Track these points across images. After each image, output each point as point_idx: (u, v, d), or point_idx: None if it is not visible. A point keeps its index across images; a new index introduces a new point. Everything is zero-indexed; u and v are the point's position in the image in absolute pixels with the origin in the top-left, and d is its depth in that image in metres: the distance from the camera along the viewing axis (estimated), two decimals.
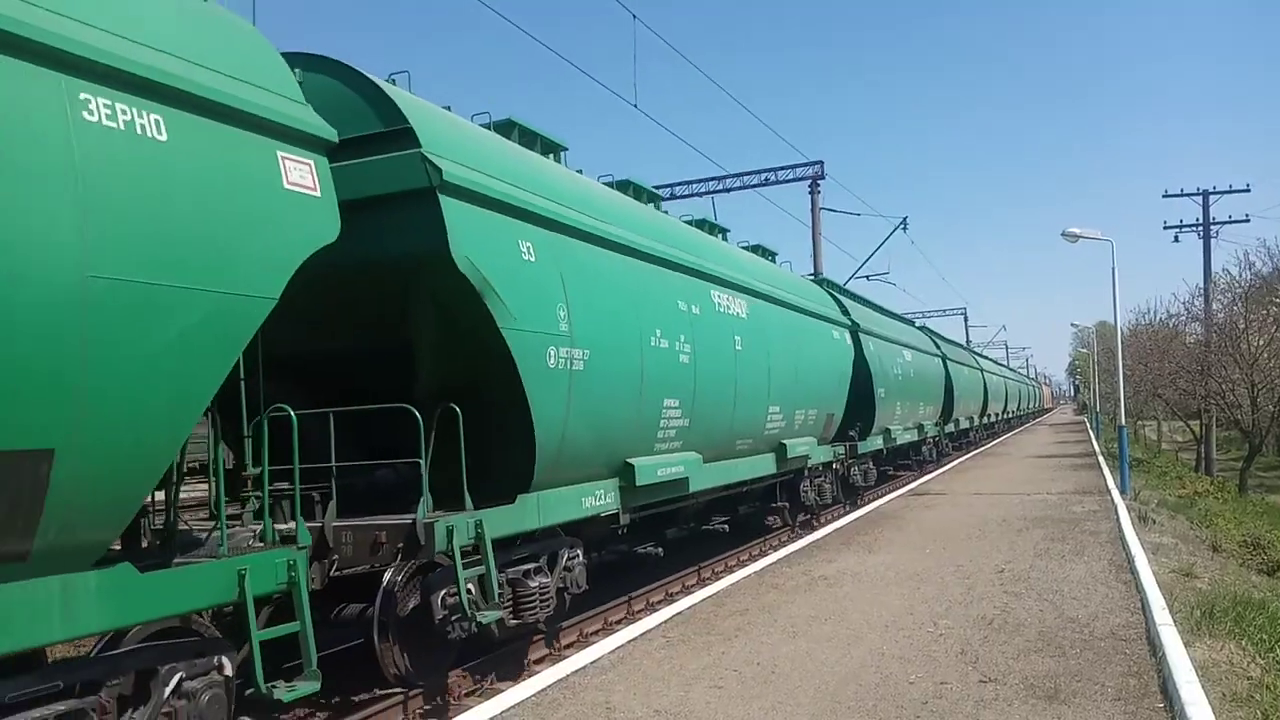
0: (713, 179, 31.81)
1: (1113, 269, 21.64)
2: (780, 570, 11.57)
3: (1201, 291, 40.07)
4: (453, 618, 7.73)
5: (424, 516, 7.36)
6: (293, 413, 6.39)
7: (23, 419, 4.44)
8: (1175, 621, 8.26)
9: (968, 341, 75.98)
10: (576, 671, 7.54)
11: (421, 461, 7.40)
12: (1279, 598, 11.06)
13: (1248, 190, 43.58)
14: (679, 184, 31.89)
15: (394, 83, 8.28)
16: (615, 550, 11.39)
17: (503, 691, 7.32)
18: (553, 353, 8.31)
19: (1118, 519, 15.32)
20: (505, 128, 9.74)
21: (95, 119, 4.80)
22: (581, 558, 9.51)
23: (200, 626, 6.04)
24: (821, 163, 31.26)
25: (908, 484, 23.84)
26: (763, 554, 14.18)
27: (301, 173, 5.99)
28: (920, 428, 25.85)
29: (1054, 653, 7.63)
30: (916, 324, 32.89)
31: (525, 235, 8.29)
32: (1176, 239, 43.29)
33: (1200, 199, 42.00)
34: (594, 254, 9.36)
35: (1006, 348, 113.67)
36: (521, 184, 8.53)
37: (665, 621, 9.08)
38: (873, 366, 19.41)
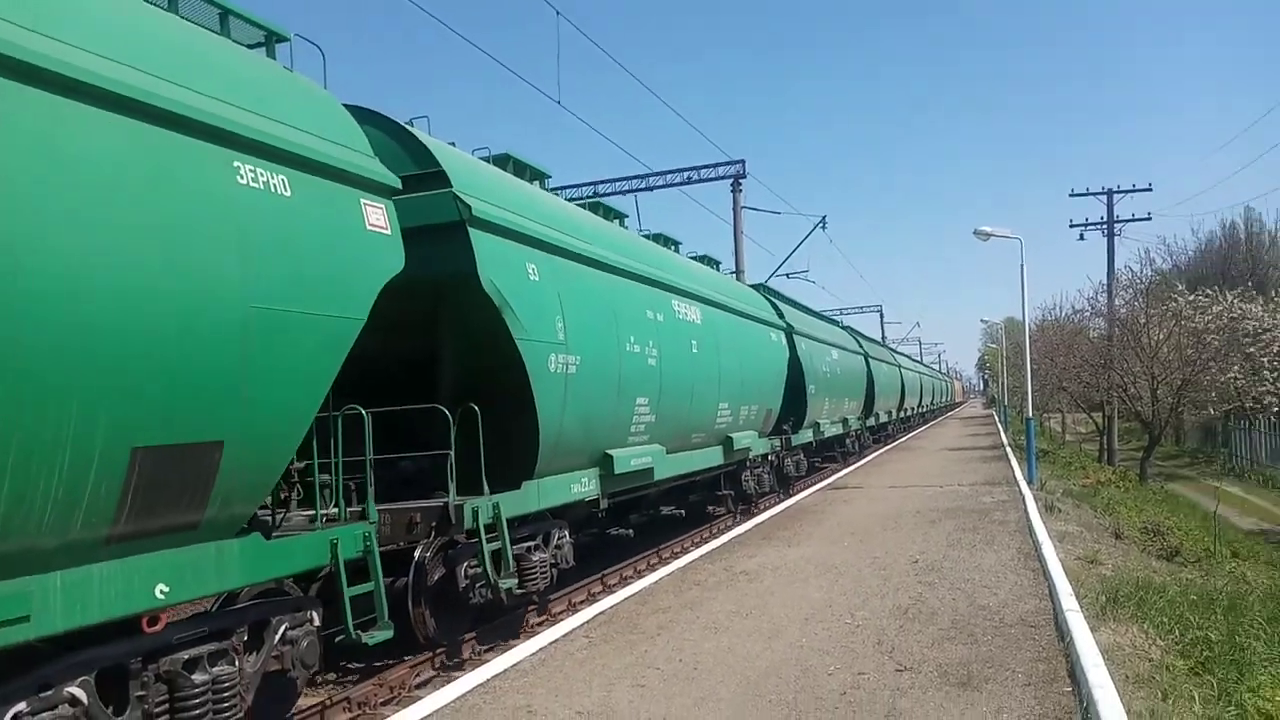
0: (636, 177, 32.42)
1: (1021, 266, 23.27)
2: (702, 567, 11.98)
3: (1105, 288, 42.33)
4: (476, 585, 9.31)
5: (454, 500, 8.90)
6: (365, 412, 7.89)
7: (204, 417, 5.90)
8: (1082, 607, 8.60)
9: (884, 338, 79.10)
10: (497, 675, 7.69)
11: (451, 453, 8.92)
12: (1178, 582, 11.74)
13: (1150, 190, 46.52)
14: (602, 182, 32.50)
15: (412, 124, 9.78)
16: (589, 533, 13.03)
17: (513, 647, 8.86)
18: (553, 359, 9.92)
19: (1025, 509, 16.19)
20: (502, 160, 11.32)
21: (245, 182, 6.28)
22: (569, 537, 11.14)
23: (290, 588, 7.51)
24: (743, 162, 32.14)
25: (829, 477, 25.57)
26: (714, 536, 15.91)
27: (377, 215, 7.50)
28: (845, 422, 28.04)
29: (967, 640, 7.92)
30: (840, 324, 35.21)
31: (531, 259, 9.89)
32: (1082, 237, 45.60)
33: (1105, 198, 44.34)
34: (582, 272, 11.01)
35: (920, 344, 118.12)
36: (524, 213, 10.14)
37: (588, 621, 9.34)
38: (804, 365, 21.44)
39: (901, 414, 47.78)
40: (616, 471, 11.56)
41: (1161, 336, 34.66)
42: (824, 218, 36.93)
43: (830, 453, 29.19)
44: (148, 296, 5.46)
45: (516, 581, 9.67)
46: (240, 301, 6.05)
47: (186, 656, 6.30)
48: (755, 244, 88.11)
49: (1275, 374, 34.13)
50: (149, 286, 5.47)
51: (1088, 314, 44.53)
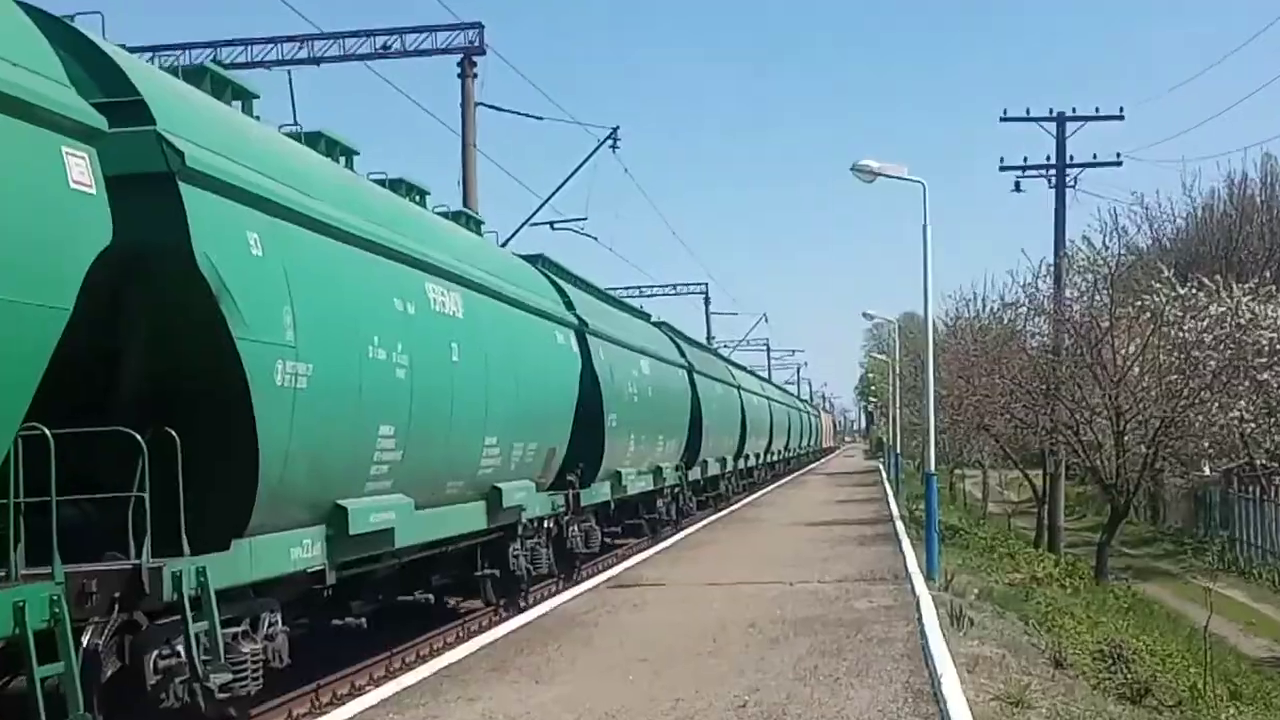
0: (292, 39, 33.58)
1: (924, 225, 24.88)
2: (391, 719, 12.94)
3: (1051, 269, 45.07)
4: (173, 681, 11.45)
5: (149, 561, 10.98)
6: (49, 433, 10.00)
7: None
8: None
9: (709, 336, 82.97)
10: None
11: (145, 495, 10.98)
12: None
13: (1121, 118, 49.12)
14: (230, 43, 33.23)
15: (74, 20, 11.84)
16: (300, 624, 15.20)
17: None
18: (280, 368, 12.26)
19: (920, 620, 17.58)
20: (196, 75, 13.67)
21: None
22: (281, 625, 13.42)
23: None
24: (480, 27, 34.08)
25: (627, 560, 27.94)
26: (423, 659, 17.35)
27: (81, 169, 9.74)
28: (657, 472, 31.39)
29: None
30: (650, 317, 37.94)
31: (252, 224, 12.24)
32: (1018, 186, 49.90)
33: (1054, 126, 48.01)
34: (313, 242, 13.45)
35: (769, 351, 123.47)
36: (240, 156, 12.42)
37: None
38: (604, 382, 24.47)
39: (741, 464, 51.88)
40: (352, 531, 13.92)
41: (1132, 350, 37.08)
42: (615, 130, 39.36)
43: (635, 519, 32.45)
44: None
45: (232, 676, 11.84)
46: None
47: None
48: (497, 169, 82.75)
49: None
50: None
51: (1023, 310, 47.79)
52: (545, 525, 22.47)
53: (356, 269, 14.40)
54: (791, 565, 26.14)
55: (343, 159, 16.67)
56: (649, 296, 78.87)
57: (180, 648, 11.48)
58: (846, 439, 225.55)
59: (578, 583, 24.11)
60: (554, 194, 38.56)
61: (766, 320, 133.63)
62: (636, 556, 28.96)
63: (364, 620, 16.26)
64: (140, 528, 10.97)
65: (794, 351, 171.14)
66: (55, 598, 9.88)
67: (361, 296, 14.30)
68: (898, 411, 69.13)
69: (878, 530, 35.53)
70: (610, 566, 27.12)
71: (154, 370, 12.05)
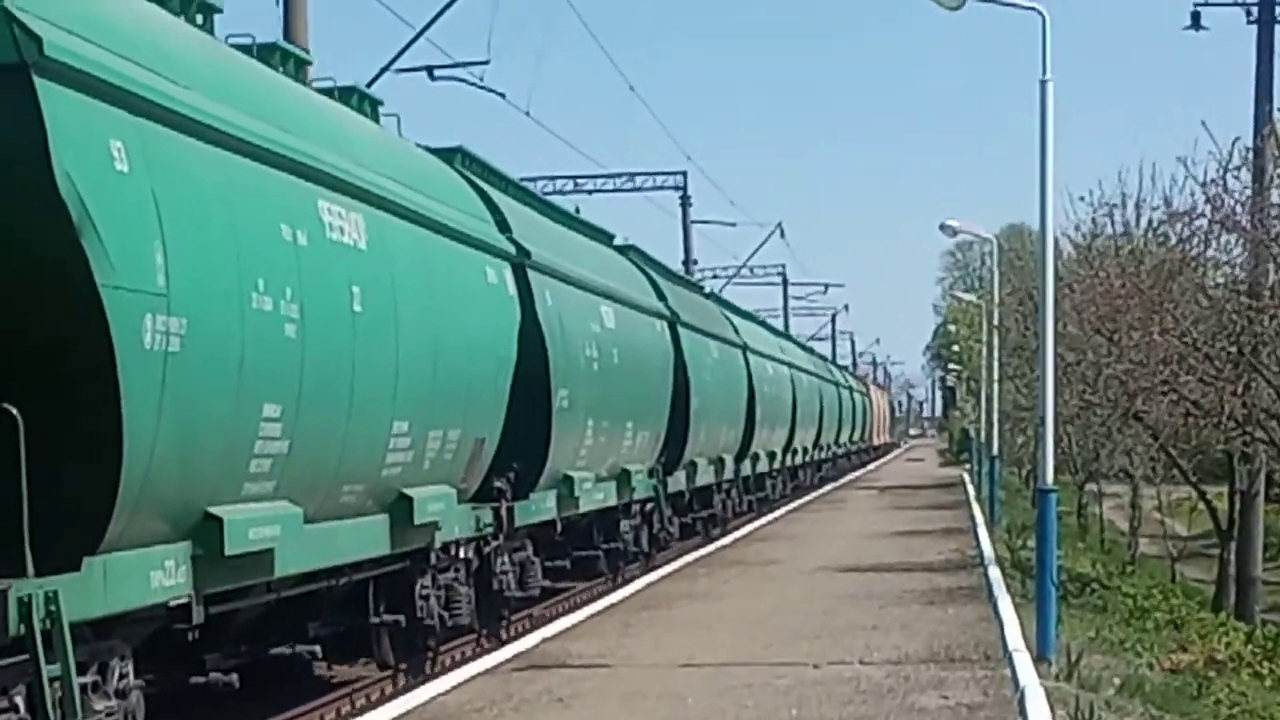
0: None
1: (1043, 75, 26.06)
2: None
3: (1248, 157, 43.89)
4: None
5: None
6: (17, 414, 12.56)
7: None
8: None
9: (688, 259, 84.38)
10: None
11: None
12: None
13: None
14: None
15: None
16: (147, 677, 17.51)
17: None
18: (149, 325, 14.55)
19: None
20: None
21: None
22: (134, 677, 15.81)
23: None
24: None
25: (540, 630, 28.72)
26: None
27: None
28: (623, 479, 33.91)
29: None
30: (608, 236, 40.20)
31: (116, 130, 14.63)
32: (1196, 21, 52.45)
33: None
34: (186, 151, 15.96)
35: (785, 285, 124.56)
36: (98, 35, 14.79)
37: None
38: (551, 341, 26.83)
39: (748, 466, 54.21)
40: (228, 550, 16.27)
41: None
42: None
43: (588, 549, 34.79)
44: None
45: None
46: None
47: None
48: None
49: None
50: None
51: (1202, 224, 46.50)
52: (465, 554, 24.77)
53: (238, 185, 16.82)
54: (817, 635, 27.86)
55: (200, 17, 18.87)
56: (586, 193, 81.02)
57: (20, 699, 13.61)
58: (911, 431, 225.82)
59: (505, 642, 26.25)
60: (435, 19, 40.29)
61: (783, 235, 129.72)
62: (576, 614, 30.60)
63: (235, 678, 18.54)
64: None
65: (827, 287, 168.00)
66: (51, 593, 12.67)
67: (243, 224, 16.66)
68: (995, 388, 70.20)
69: (958, 581, 37.61)
70: (538, 626, 29.00)
71: None
